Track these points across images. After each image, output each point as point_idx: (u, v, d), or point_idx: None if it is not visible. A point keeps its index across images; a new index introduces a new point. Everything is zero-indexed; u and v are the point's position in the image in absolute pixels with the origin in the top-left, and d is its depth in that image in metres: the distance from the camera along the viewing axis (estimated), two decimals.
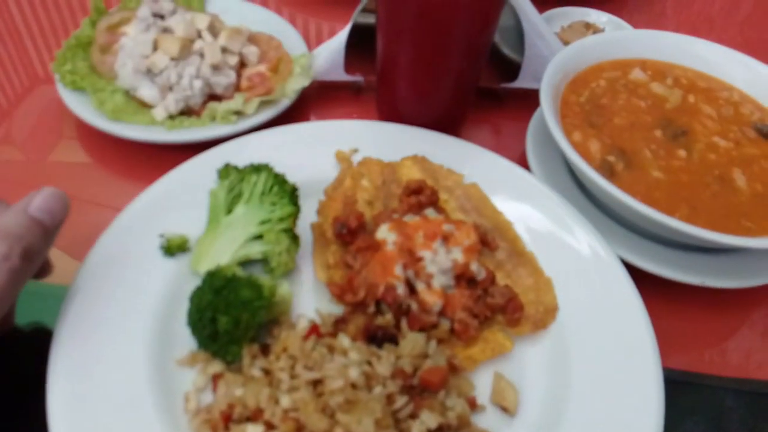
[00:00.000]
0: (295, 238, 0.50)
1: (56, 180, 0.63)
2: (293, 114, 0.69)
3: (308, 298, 0.51)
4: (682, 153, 0.59)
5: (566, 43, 0.76)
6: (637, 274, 0.53)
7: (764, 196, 0.56)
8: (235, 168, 0.52)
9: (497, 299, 0.50)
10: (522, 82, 0.72)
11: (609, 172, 0.56)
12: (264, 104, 0.64)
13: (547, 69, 0.61)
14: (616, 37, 0.69)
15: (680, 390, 0.52)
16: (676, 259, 0.55)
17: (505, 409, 0.45)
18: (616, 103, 0.63)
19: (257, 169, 0.52)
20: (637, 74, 0.67)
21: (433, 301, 0.47)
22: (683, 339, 0.56)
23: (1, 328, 0.45)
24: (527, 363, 0.49)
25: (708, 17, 1.02)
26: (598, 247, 0.53)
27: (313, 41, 0.84)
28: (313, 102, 0.74)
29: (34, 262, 0.40)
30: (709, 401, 0.51)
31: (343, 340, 0.43)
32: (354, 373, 0.40)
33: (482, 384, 0.47)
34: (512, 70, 0.74)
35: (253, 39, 0.70)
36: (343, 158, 0.60)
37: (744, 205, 0.55)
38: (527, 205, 0.57)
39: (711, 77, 0.68)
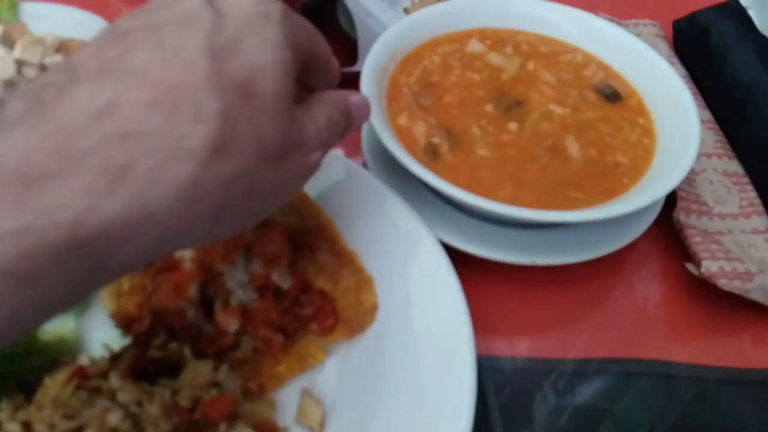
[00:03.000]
0: None
1: None
2: None
3: (102, 330, 0.46)
4: (513, 126, 0.55)
5: None
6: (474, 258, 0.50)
7: (597, 161, 0.54)
8: None
9: (306, 309, 0.46)
10: (361, 66, 0.67)
11: (433, 155, 0.53)
12: None
13: (371, 51, 0.57)
14: (452, 8, 0.65)
15: (530, 378, 0.49)
16: (508, 239, 0.52)
17: (311, 429, 0.42)
18: (448, 79, 0.59)
19: None
20: (474, 46, 0.63)
21: (228, 321, 0.44)
22: (530, 322, 0.53)
23: None
24: (343, 371, 0.45)
25: None
26: (422, 236, 0.49)
27: None
28: None
29: None
30: (557, 388, 0.49)
31: (113, 380, 0.39)
32: (114, 419, 0.36)
33: (292, 403, 0.43)
34: (355, 53, 0.70)
35: (64, 47, 0.64)
36: None
37: (574, 174, 0.52)
38: (349, 198, 0.53)
39: (555, 40, 0.65)
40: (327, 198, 0.54)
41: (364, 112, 0.40)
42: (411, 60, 0.61)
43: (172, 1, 0.29)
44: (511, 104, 0.57)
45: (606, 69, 0.62)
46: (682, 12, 0.77)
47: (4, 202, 0.22)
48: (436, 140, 0.54)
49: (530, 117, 0.57)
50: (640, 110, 0.59)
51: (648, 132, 0.57)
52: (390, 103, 0.56)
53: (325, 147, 0.35)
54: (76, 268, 0.23)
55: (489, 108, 0.57)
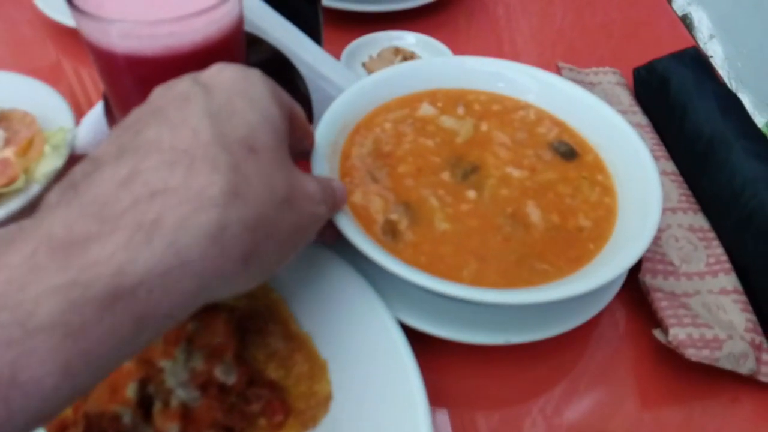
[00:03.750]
0: None
1: None
2: None
3: None
4: (471, 194, 0.53)
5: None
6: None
7: (560, 227, 0.52)
8: None
9: (253, 405, 0.43)
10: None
11: (392, 234, 0.50)
12: (7, 196, 0.56)
13: (319, 124, 0.55)
14: (402, 71, 0.64)
15: None
16: (473, 318, 0.49)
17: None
18: (401, 147, 0.58)
19: None
20: (425, 109, 0.61)
21: (168, 425, 0.41)
22: (493, 402, 0.50)
23: None
24: None
25: (544, 32, 0.99)
26: (380, 318, 0.47)
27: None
28: None
29: None
30: None
31: None
32: None
33: None
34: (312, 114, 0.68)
35: (4, 118, 0.62)
36: None
37: (538, 243, 0.50)
38: (304, 274, 0.51)
39: (506, 97, 0.64)
40: (279, 274, 0.51)
41: (344, 196, 0.46)
42: (362, 129, 0.59)
43: (166, 90, 0.34)
44: (468, 170, 0.56)
45: (559, 125, 0.61)
46: (643, 59, 0.77)
47: (53, 264, 0.25)
48: (393, 217, 0.51)
49: (488, 183, 0.55)
50: (598, 166, 0.57)
51: (608, 190, 0.55)
52: (343, 179, 0.54)
53: (328, 206, 0.40)
54: (121, 318, 0.25)
55: (445, 176, 0.55)
